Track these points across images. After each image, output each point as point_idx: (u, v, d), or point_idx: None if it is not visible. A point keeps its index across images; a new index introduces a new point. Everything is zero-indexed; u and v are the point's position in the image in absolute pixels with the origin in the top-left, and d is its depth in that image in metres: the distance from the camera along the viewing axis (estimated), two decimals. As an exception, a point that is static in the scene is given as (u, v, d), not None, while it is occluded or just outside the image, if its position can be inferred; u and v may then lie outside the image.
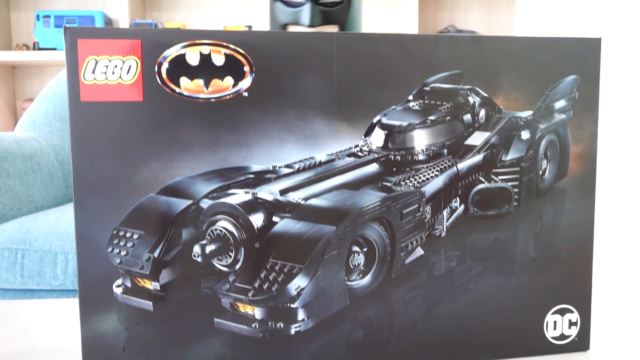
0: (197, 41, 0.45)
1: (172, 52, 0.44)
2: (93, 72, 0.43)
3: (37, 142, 1.25)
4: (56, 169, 1.26)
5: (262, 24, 2.35)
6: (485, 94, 0.50)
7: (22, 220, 1.07)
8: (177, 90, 0.44)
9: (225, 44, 0.45)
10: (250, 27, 2.34)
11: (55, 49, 2.39)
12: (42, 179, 1.20)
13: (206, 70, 0.45)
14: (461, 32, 2.64)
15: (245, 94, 0.45)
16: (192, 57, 0.44)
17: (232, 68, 0.45)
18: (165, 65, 0.44)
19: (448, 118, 0.50)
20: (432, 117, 0.49)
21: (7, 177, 1.09)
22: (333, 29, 0.92)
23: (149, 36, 0.44)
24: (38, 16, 2.40)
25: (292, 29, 0.93)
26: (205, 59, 0.45)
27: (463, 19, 2.77)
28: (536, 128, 0.51)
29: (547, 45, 0.50)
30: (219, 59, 0.45)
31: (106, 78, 0.44)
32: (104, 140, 0.44)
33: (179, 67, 0.44)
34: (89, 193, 0.44)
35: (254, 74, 0.45)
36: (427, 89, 0.48)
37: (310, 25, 0.89)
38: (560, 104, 0.51)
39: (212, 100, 0.45)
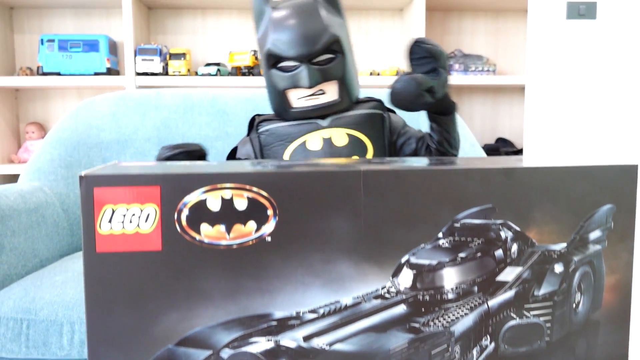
0: (219, 185, 0.42)
1: (192, 198, 0.42)
2: (110, 221, 0.41)
3: (42, 192, 1.23)
4: (61, 218, 1.24)
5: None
6: (517, 228, 0.47)
7: (27, 285, 1.05)
8: (198, 237, 0.42)
9: (248, 187, 0.43)
10: (256, 51, 2.31)
11: (59, 73, 2.37)
12: (47, 230, 1.18)
13: (228, 215, 0.42)
14: (468, 57, 2.62)
15: (269, 238, 0.43)
16: (214, 203, 0.42)
17: (255, 212, 0.43)
18: (185, 212, 0.42)
19: (479, 255, 0.47)
20: (462, 255, 0.47)
21: (12, 235, 1.07)
22: (332, 85, 0.90)
23: (168, 182, 0.42)
24: (42, 40, 2.38)
25: (292, 92, 0.90)
26: (227, 204, 0.42)
27: (469, 44, 2.75)
28: (570, 260, 0.49)
29: (582, 174, 0.48)
30: (241, 204, 0.43)
31: (123, 227, 0.41)
32: (120, 291, 0.42)
33: (200, 213, 0.42)
34: (104, 346, 0.42)
35: (277, 217, 0.43)
36: (458, 225, 0.46)
37: (310, 86, 0.87)
38: (595, 234, 0.49)
39: (234, 246, 0.43)
